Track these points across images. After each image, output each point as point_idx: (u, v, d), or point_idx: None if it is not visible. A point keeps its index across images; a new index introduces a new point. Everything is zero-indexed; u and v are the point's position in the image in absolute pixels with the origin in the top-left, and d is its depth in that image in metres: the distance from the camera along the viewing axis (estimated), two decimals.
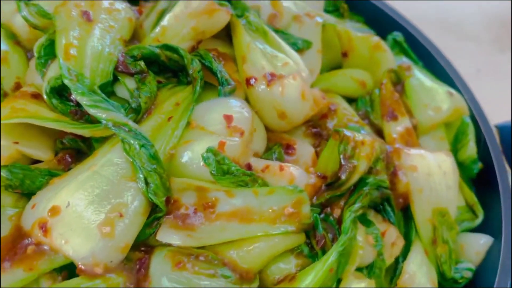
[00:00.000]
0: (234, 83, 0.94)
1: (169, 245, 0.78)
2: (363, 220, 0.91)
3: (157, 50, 0.93)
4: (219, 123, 0.85)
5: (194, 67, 0.93)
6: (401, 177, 0.95)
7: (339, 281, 0.83)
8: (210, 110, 0.88)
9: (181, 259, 0.75)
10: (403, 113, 1.09)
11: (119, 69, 0.91)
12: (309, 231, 0.84)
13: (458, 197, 1.07)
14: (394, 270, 0.93)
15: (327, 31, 1.16)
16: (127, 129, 0.81)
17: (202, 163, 0.82)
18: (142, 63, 0.91)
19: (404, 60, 1.27)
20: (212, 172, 0.80)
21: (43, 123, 0.83)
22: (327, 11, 1.39)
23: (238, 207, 0.81)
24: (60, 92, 0.88)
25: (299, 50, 1.12)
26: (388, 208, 0.95)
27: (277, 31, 1.13)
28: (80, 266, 0.73)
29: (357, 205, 0.85)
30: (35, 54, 0.93)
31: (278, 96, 0.92)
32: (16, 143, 0.84)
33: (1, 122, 0.82)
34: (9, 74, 0.97)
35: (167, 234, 0.78)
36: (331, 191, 0.88)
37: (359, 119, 1.07)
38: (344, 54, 1.17)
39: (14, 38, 1.02)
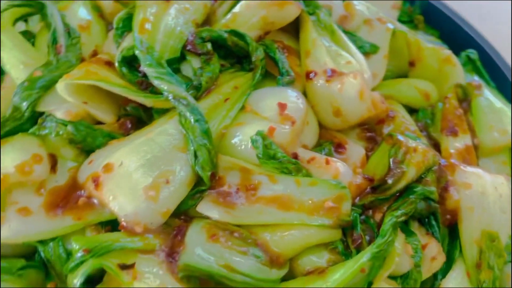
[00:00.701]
0: (293, 74, 0.96)
1: (208, 218, 0.80)
2: (405, 229, 0.89)
3: (225, 35, 0.96)
4: (273, 109, 0.87)
5: (257, 55, 0.96)
6: (452, 192, 0.92)
7: (370, 284, 0.81)
8: (266, 96, 0.90)
9: (216, 232, 0.77)
10: (465, 130, 1.05)
11: (187, 48, 0.95)
12: (347, 230, 0.84)
13: None
14: (431, 286, 0.89)
15: (397, 39, 1.14)
16: (185, 103, 0.85)
17: (250, 145, 0.84)
18: (209, 45, 0.95)
19: (476, 79, 1.22)
20: (259, 155, 0.82)
21: (110, 87, 0.89)
22: (401, 21, 1.37)
23: (279, 193, 0.82)
24: (131, 62, 0.93)
25: (366, 54, 1.12)
26: (434, 223, 0.92)
27: (346, 32, 1.13)
28: (122, 222, 0.77)
29: (400, 212, 0.83)
30: (114, 26, 1.00)
31: (336, 92, 0.93)
32: (85, 103, 0.90)
33: (75, 81, 0.88)
34: (89, 41, 1.05)
35: (207, 207, 0.80)
36: (375, 194, 0.87)
37: (416, 129, 1.04)
38: (411, 64, 1.15)
39: (98, 11, 1.10)
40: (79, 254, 0.72)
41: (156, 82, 0.87)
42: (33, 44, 1.07)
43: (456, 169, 0.94)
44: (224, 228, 0.79)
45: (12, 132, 0.91)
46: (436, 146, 1.06)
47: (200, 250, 0.75)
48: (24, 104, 0.91)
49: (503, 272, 0.96)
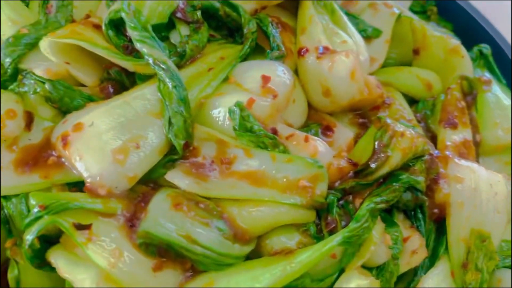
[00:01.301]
0: (284, 50, 0.92)
1: (176, 188, 0.77)
2: (388, 219, 0.84)
3: (218, 4, 0.93)
4: (256, 81, 0.83)
5: (249, 27, 0.92)
6: (442, 185, 0.86)
7: (341, 271, 0.76)
8: (251, 68, 0.86)
9: (181, 201, 0.74)
10: (465, 124, 0.99)
11: (177, 15, 0.92)
12: (322, 213, 0.79)
13: (507, 229, 0.95)
14: (410, 281, 0.84)
15: (402, 25, 1.09)
16: (165, 68, 0.82)
17: (227, 116, 0.80)
18: (199, 13, 0.92)
19: (486, 75, 1.15)
20: (235, 126, 0.79)
21: (93, 48, 0.86)
22: (413, 11, 1.31)
23: (254, 168, 0.78)
24: (118, 26, 0.90)
25: (367, 38, 1.07)
26: (420, 216, 0.87)
27: (348, 14, 1.09)
28: (87, 184, 0.74)
29: (380, 198, 0.78)
30: None
31: (326, 71, 0.88)
32: (67, 63, 0.88)
33: (58, 40, 0.86)
34: (82, 5, 1.03)
35: (176, 176, 0.77)
36: (357, 179, 0.82)
37: (413, 119, 0.99)
38: (416, 52, 1.09)
39: None
40: (35, 210, 0.70)
41: (138, 45, 0.84)
42: (27, 5, 1.06)
43: (449, 162, 0.89)
44: (190, 199, 0.75)
45: None
46: (433, 138, 1.00)
47: (162, 218, 0.72)
48: (7, 60, 0.90)
49: (494, 276, 0.89)
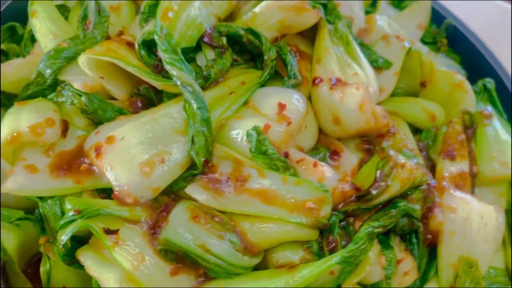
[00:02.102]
0: (300, 78, 0.99)
1: (195, 200, 0.85)
2: (384, 242, 0.92)
3: (241, 32, 1.01)
4: (273, 108, 0.91)
5: (270, 54, 1.00)
6: (436, 214, 0.94)
7: (339, 287, 0.84)
8: (269, 95, 0.94)
9: (199, 214, 0.82)
10: (463, 156, 1.06)
11: (204, 40, 1.00)
12: (325, 232, 0.87)
13: (497, 257, 1.03)
14: None
15: (412, 58, 1.16)
16: (191, 90, 0.90)
17: (245, 139, 0.88)
18: (224, 39, 1.00)
19: (488, 109, 1.22)
20: (251, 149, 0.87)
21: (125, 66, 0.94)
22: (424, 41, 1.39)
23: (266, 187, 0.86)
24: (150, 46, 0.99)
25: (378, 68, 1.15)
26: (414, 240, 0.94)
27: (362, 45, 1.16)
28: (115, 192, 0.83)
29: (378, 223, 0.86)
30: (141, 10, 1.06)
31: (337, 101, 0.96)
32: (102, 78, 0.97)
33: (95, 57, 0.95)
34: (117, 22, 1.12)
35: (195, 190, 0.85)
36: (359, 203, 0.90)
37: (416, 148, 1.06)
38: (423, 84, 1.16)
39: None
40: (70, 214, 0.78)
41: (167, 67, 0.92)
42: (66, 18, 1.15)
43: (445, 192, 0.96)
44: (207, 212, 0.83)
45: (34, 96, 0.99)
46: (433, 167, 1.07)
47: (181, 228, 0.80)
48: (48, 71, 0.98)
49: None
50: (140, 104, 0.99)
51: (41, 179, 0.88)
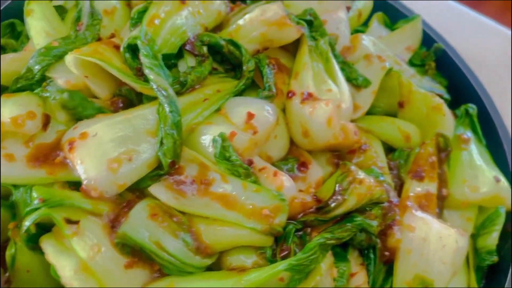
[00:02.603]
0: (274, 91, 1.03)
1: (157, 199, 0.89)
2: (341, 254, 0.94)
3: (223, 42, 1.05)
4: (242, 117, 0.95)
5: (248, 65, 1.04)
6: (395, 231, 0.96)
7: None
8: (241, 104, 0.98)
9: (158, 212, 0.86)
10: (432, 178, 1.08)
11: (186, 47, 1.05)
12: (280, 239, 0.90)
13: (460, 280, 1.04)
14: None
15: (392, 78, 1.19)
16: (165, 94, 0.94)
17: (211, 144, 0.92)
18: (205, 48, 1.05)
19: (467, 134, 1.23)
20: (216, 154, 0.90)
21: (109, 68, 0.99)
22: (412, 63, 1.41)
23: (227, 192, 0.90)
24: (134, 50, 1.04)
25: (357, 86, 1.18)
26: (371, 256, 0.96)
27: (344, 62, 1.19)
28: (83, 185, 0.87)
29: (331, 235, 0.88)
30: (131, 16, 1.11)
31: (307, 115, 0.99)
32: (86, 77, 1.02)
33: (81, 57, 1.00)
34: (110, 25, 1.17)
35: (159, 189, 0.89)
36: (317, 215, 0.92)
37: (385, 167, 1.08)
38: (400, 104, 1.18)
39: (127, 0, 1.23)
40: (35, 202, 0.83)
41: (146, 71, 0.97)
42: (63, 18, 1.21)
43: (406, 211, 0.98)
44: (166, 211, 0.87)
45: (22, 89, 1.04)
46: (401, 186, 1.09)
47: (139, 224, 0.84)
48: (37, 67, 1.04)
49: None
50: (121, 105, 1.04)
51: (17, 168, 0.93)
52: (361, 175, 0.92)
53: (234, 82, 1.04)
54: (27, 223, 0.82)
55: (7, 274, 0.93)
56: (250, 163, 0.92)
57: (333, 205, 0.91)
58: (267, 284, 0.84)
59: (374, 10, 1.47)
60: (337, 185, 0.92)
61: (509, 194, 1.12)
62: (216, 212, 0.88)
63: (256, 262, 0.88)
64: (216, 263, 0.89)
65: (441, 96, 1.28)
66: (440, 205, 1.10)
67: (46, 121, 1.00)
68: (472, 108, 1.28)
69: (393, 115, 1.21)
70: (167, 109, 0.93)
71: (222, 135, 0.91)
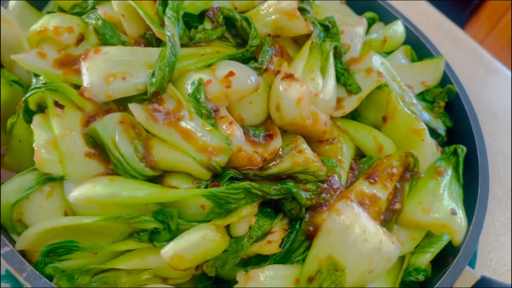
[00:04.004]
0: (266, 65, 1.17)
1: (132, 115, 1.06)
2: (268, 213, 1.05)
3: (238, 17, 1.22)
4: (224, 72, 1.10)
5: (253, 41, 1.20)
6: (323, 210, 1.03)
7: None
8: (231, 65, 1.13)
9: (126, 121, 1.03)
10: (385, 186, 1.13)
11: (208, 13, 1.23)
12: (216, 179, 1.02)
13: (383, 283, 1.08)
14: (256, 263, 1.02)
15: (383, 93, 1.27)
16: (172, 39, 1.12)
17: (190, 86, 1.08)
18: (221, 18, 1.22)
19: (443, 167, 1.26)
20: (189, 93, 1.06)
21: (141, 12, 1.17)
22: (424, 98, 1.47)
23: (189, 128, 1.05)
24: (166, 6, 1.24)
25: (349, 92, 1.28)
26: (297, 226, 1.05)
27: (346, 69, 1.30)
28: (81, 87, 1.06)
29: (258, 186, 0.99)
30: None
31: (281, 90, 1.12)
32: (123, 16, 1.24)
33: None
34: None
35: (136, 108, 1.06)
36: (257, 171, 1.04)
37: (345, 162, 1.16)
38: (384, 119, 1.26)
39: None
40: (40, 83, 1.04)
41: (165, 19, 1.16)
42: None
43: (342, 198, 1.05)
44: (133, 124, 1.04)
45: (77, 14, 1.29)
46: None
47: (107, 124, 1.01)
48: (90, 2, 1.28)
49: None
50: (142, 45, 1.24)
51: (44, 63, 1.14)
52: (304, 146, 1.02)
53: (234, 50, 1.20)
54: (28, 95, 1.03)
55: None
56: (216, 110, 1.06)
57: (270, 165, 1.02)
58: (189, 206, 0.96)
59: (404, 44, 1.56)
60: (280, 149, 1.03)
61: (461, 229, 1.14)
62: (174, 140, 1.03)
63: (190, 188, 1.00)
64: (159, 181, 1.03)
65: (435, 130, 1.34)
66: (389, 216, 1.14)
67: (80, 39, 1.22)
68: (461, 149, 1.30)
69: (378, 129, 1.29)
70: (168, 50, 1.11)
71: (200, 79, 1.06)
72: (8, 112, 1.17)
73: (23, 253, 1.01)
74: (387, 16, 1.66)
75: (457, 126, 1.43)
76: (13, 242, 1.01)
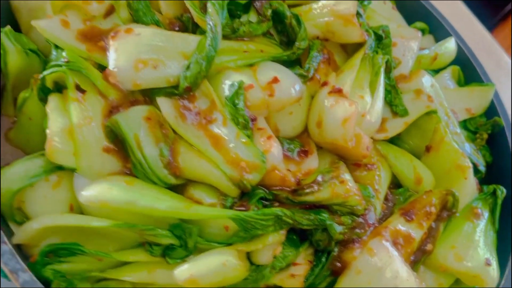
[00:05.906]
0: (312, 73, 1.05)
1: (160, 111, 0.95)
2: (294, 242, 0.95)
3: (289, 14, 1.09)
4: (267, 78, 0.98)
5: (301, 43, 1.08)
6: (355, 247, 0.94)
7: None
8: (274, 68, 1.01)
9: (153, 118, 0.91)
10: (421, 225, 1.04)
11: (255, 4, 1.10)
12: (245, 197, 0.92)
13: None
14: None
15: (431, 120, 1.16)
16: (213, 29, 1.00)
17: (228, 87, 0.96)
18: (269, 11, 1.09)
19: (482, 210, 1.17)
20: (227, 96, 0.94)
21: None
22: (466, 126, 1.36)
23: (221, 135, 0.93)
24: None
25: (394, 113, 1.17)
26: (323, 259, 0.96)
27: (394, 87, 1.19)
28: (107, 69, 0.94)
29: (290, 214, 0.89)
30: None
31: (327, 106, 1.00)
32: None
33: None
34: None
35: (164, 102, 0.94)
36: (289, 194, 0.93)
37: (381, 193, 1.06)
38: (427, 149, 1.16)
39: None
40: (62, 60, 0.92)
41: (208, 5, 1.03)
42: None
43: (376, 236, 0.96)
44: (160, 122, 0.92)
45: None
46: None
47: (132, 119, 0.90)
48: None
49: None
50: (176, 28, 1.11)
51: (66, 34, 1.02)
52: (347, 176, 0.92)
53: (280, 50, 1.07)
54: (46, 72, 0.91)
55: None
56: (254, 119, 0.95)
57: (306, 191, 0.91)
58: (211, 225, 0.86)
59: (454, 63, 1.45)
60: (320, 175, 0.92)
61: (493, 281, 1.06)
62: (203, 146, 0.92)
63: (213, 204, 0.90)
64: (180, 190, 0.93)
65: (475, 166, 1.23)
66: (419, 256, 1.05)
67: (110, 11, 1.09)
68: (501, 191, 1.21)
69: (418, 157, 1.18)
70: (208, 42, 0.98)
71: (240, 82, 0.95)
72: (20, 82, 1.05)
73: (19, 246, 0.91)
74: (437, 27, 1.54)
75: (496, 162, 1.33)
76: (9, 232, 0.91)
